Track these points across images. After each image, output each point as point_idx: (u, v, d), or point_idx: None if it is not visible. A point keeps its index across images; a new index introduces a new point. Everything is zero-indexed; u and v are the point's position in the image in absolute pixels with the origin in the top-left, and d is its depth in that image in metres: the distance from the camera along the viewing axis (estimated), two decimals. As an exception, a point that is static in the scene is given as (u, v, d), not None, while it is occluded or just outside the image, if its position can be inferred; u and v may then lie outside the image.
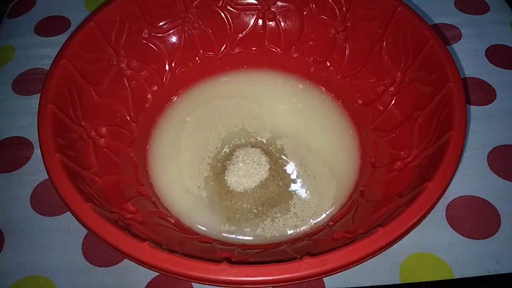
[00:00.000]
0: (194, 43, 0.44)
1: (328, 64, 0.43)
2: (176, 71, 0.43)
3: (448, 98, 0.32)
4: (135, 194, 0.35)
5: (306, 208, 0.36)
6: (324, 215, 0.36)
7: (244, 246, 0.32)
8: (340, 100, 0.43)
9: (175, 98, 0.43)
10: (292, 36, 0.44)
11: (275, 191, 0.37)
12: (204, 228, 0.35)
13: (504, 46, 0.46)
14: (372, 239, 0.26)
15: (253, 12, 0.44)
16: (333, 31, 0.43)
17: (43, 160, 0.30)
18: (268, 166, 0.37)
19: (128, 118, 0.39)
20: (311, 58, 0.44)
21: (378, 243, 0.26)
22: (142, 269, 0.32)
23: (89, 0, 0.51)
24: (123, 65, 0.40)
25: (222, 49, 0.44)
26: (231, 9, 0.44)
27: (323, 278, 0.33)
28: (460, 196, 0.37)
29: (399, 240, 0.27)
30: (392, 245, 0.27)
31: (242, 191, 0.36)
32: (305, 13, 0.43)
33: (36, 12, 0.51)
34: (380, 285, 0.33)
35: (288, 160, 0.39)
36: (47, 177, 0.29)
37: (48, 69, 0.35)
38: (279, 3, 0.44)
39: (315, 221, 0.35)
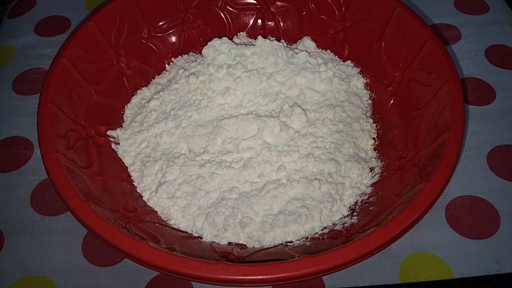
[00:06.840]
0: (193, 42, 0.44)
1: (328, 63, 0.43)
2: (176, 71, 0.43)
3: (446, 98, 0.33)
4: (135, 193, 0.35)
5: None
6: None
7: (243, 245, 0.32)
8: (340, 100, 0.43)
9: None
10: (292, 36, 0.44)
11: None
12: (202, 231, 0.35)
13: (503, 46, 0.46)
14: (370, 238, 0.26)
15: (252, 12, 0.44)
16: (332, 31, 0.43)
17: (43, 160, 0.30)
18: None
19: (128, 117, 0.39)
20: (311, 58, 0.44)
21: (376, 242, 0.26)
22: (142, 269, 0.32)
23: (89, 0, 0.51)
24: (123, 65, 0.40)
25: (222, 49, 0.44)
26: (231, 9, 0.44)
27: (323, 278, 0.33)
28: (459, 196, 0.37)
29: (397, 240, 0.27)
30: (390, 245, 0.27)
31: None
32: (304, 13, 0.43)
33: (36, 12, 0.51)
34: (380, 284, 0.33)
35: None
36: (47, 176, 0.29)
37: (48, 69, 0.35)
38: (278, 3, 0.44)
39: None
